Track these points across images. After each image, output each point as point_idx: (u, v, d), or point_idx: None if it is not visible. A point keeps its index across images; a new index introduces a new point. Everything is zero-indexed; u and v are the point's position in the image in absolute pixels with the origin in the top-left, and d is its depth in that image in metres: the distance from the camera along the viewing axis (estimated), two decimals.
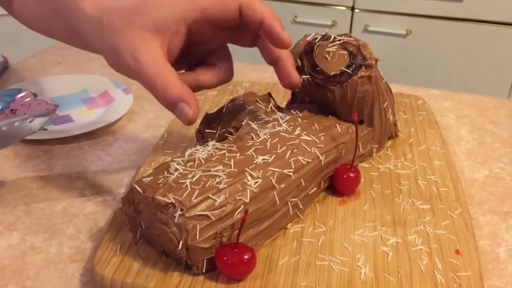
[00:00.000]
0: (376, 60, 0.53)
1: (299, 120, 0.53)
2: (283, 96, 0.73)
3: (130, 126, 0.69)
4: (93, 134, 0.67)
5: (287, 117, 0.53)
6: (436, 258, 0.44)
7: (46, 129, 0.67)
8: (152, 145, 0.65)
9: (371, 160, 0.58)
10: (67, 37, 0.49)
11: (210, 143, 0.48)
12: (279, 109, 0.56)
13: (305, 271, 0.43)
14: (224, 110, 0.55)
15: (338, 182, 0.52)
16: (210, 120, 0.55)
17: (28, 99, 0.74)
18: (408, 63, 1.62)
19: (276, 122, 0.52)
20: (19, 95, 0.75)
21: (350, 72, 0.52)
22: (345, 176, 0.51)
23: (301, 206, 0.48)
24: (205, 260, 0.41)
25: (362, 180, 0.54)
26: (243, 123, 0.53)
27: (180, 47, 0.46)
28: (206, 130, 0.55)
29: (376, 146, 0.58)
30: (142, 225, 0.44)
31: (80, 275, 0.45)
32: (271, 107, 0.56)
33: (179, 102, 0.43)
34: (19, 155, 0.63)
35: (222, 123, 0.54)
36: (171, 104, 0.43)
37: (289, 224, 0.48)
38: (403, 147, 0.61)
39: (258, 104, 0.55)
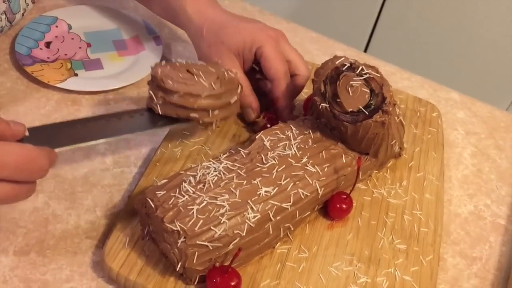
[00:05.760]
0: (394, 104, 0.56)
1: (310, 142, 0.57)
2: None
3: None
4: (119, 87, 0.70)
5: (300, 137, 0.57)
6: None
7: (77, 74, 0.70)
8: None
9: (368, 182, 0.62)
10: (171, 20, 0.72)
11: (223, 161, 0.53)
12: (295, 121, 0.60)
13: None
14: None
15: (331, 209, 0.57)
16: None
17: (62, 30, 0.76)
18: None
19: (287, 142, 0.56)
20: (54, 25, 0.77)
21: (367, 113, 0.55)
22: (338, 206, 0.56)
23: (292, 228, 0.54)
24: (198, 276, 0.48)
25: (354, 204, 0.59)
26: (257, 137, 0.57)
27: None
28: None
29: (377, 171, 0.62)
30: (150, 227, 0.51)
31: (92, 253, 0.53)
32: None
33: (248, 108, 0.64)
34: (49, 101, 0.67)
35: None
36: (243, 107, 0.64)
37: (278, 244, 0.54)
38: (402, 170, 0.65)
39: None
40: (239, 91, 0.59)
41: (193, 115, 0.55)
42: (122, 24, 0.80)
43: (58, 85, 0.67)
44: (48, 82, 0.67)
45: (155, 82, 0.55)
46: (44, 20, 0.77)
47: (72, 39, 0.76)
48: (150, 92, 0.56)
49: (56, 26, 0.77)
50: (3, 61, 0.71)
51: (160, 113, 0.55)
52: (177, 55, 0.78)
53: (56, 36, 0.75)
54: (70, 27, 0.77)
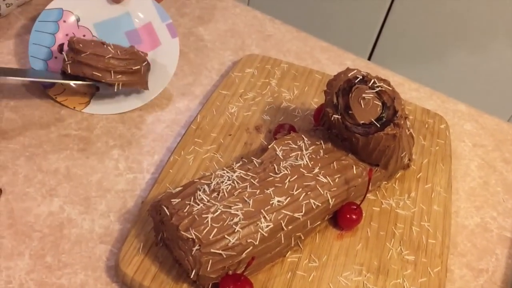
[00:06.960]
0: (406, 118, 0.57)
1: (321, 153, 0.58)
2: (315, 90, 0.76)
3: (168, 89, 0.74)
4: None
5: (311, 148, 0.58)
6: None
7: (98, 88, 0.71)
8: (184, 119, 0.70)
9: (377, 192, 0.63)
10: None
11: (237, 170, 0.54)
12: (306, 132, 0.61)
13: None
14: None
15: (341, 219, 0.58)
16: None
17: (71, 26, 0.73)
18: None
19: (299, 152, 0.57)
20: (62, 20, 0.73)
21: (378, 126, 0.55)
22: (348, 216, 0.57)
23: (302, 238, 0.55)
24: (211, 283, 0.49)
25: (363, 215, 0.60)
26: (269, 146, 0.58)
27: None
28: None
29: (386, 182, 0.63)
30: (164, 233, 0.51)
31: (106, 258, 0.54)
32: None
33: None
34: (63, 106, 0.68)
35: None
36: None
37: (288, 252, 0.55)
38: (410, 182, 0.66)
39: None
40: (144, 64, 0.67)
41: (96, 73, 0.65)
42: (132, 7, 0.76)
43: (83, 110, 0.68)
44: (74, 108, 0.68)
45: (69, 47, 0.66)
46: (49, 15, 0.73)
47: (84, 35, 0.74)
48: (64, 54, 0.66)
49: (64, 21, 0.73)
50: (21, 65, 0.72)
51: (70, 71, 0.65)
52: (187, 62, 0.79)
53: (67, 34, 0.72)
54: (78, 19, 0.74)
